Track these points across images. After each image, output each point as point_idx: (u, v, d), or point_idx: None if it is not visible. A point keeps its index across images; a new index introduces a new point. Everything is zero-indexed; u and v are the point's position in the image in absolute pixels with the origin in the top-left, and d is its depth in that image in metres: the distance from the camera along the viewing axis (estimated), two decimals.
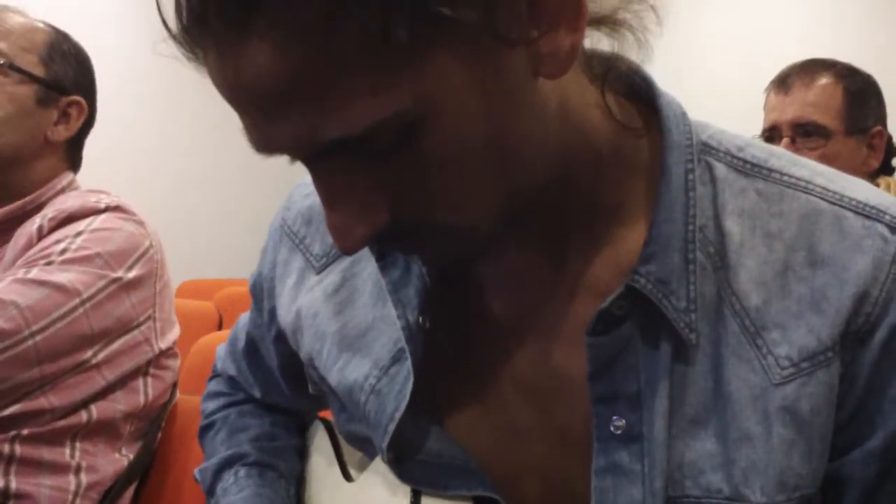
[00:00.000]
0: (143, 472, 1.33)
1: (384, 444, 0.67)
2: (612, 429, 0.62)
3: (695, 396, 0.61)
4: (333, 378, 0.72)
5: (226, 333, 2.26)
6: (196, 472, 0.92)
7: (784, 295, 0.61)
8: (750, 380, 0.60)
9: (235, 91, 0.50)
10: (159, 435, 1.36)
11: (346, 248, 0.55)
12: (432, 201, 0.54)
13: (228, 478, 0.87)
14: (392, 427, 0.66)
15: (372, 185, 0.54)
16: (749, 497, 0.60)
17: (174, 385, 1.37)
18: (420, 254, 0.63)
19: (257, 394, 0.94)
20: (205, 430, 0.96)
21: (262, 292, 0.84)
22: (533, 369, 0.66)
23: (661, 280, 0.60)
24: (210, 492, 0.89)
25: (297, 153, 0.53)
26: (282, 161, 0.56)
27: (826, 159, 1.60)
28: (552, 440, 0.66)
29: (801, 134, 1.74)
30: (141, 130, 4.74)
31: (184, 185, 4.90)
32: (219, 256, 4.68)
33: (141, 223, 1.28)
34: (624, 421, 0.62)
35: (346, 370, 0.71)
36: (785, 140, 1.73)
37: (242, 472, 0.87)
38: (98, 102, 1.43)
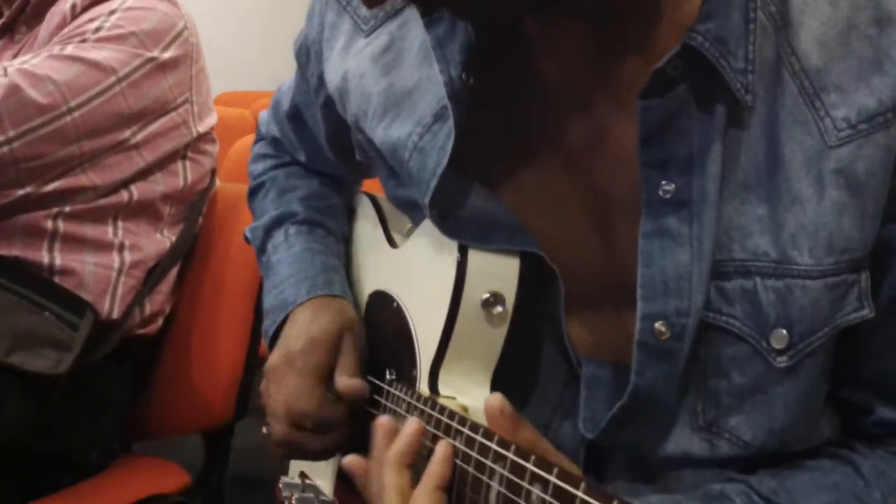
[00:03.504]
0: (186, 256, 1.37)
1: (427, 200, 0.67)
2: (660, 193, 0.61)
3: (747, 160, 0.60)
4: (378, 137, 0.71)
5: None
6: (246, 231, 0.94)
7: (846, 55, 0.58)
8: (805, 142, 0.59)
9: None
10: (200, 220, 1.38)
11: None
12: None
13: (279, 235, 0.89)
14: (434, 183, 0.66)
15: None
16: (796, 259, 0.59)
17: (213, 172, 1.38)
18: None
19: (302, 158, 0.94)
20: (254, 191, 0.98)
21: (308, 57, 0.82)
22: (581, 134, 0.65)
23: (719, 38, 0.58)
24: (261, 249, 0.91)
25: None
26: None
27: None
28: (598, 206, 0.65)
29: None
30: None
31: None
32: (253, 70, 4.65)
33: (174, 3, 1.26)
34: (674, 185, 0.60)
35: (390, 129, 0.70)
36: None
37: (293, 229, 0.89)
38: None
